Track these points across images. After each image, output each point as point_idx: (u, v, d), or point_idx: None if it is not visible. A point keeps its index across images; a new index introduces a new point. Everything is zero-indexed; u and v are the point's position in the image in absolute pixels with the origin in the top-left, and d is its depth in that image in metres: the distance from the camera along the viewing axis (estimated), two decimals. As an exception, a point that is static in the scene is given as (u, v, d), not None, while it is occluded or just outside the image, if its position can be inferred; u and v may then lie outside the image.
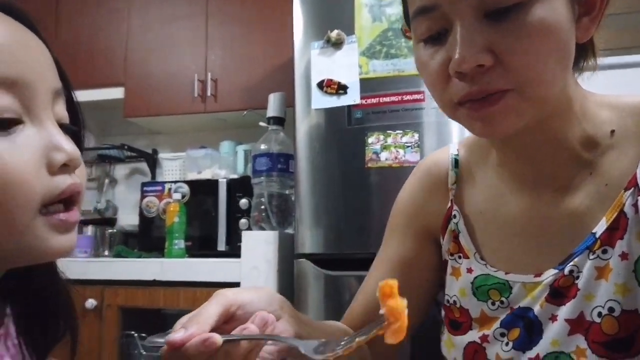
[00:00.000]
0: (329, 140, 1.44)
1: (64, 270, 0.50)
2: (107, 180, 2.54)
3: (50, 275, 0.49)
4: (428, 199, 0.67)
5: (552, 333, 0.51)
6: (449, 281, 0.63)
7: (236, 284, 1.47)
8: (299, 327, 0.51)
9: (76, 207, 0.43)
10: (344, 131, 1.43)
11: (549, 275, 0.53)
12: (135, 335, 1.64)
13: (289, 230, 1.61)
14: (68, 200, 0.42)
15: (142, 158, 2.50)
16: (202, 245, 1.92)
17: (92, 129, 2.52)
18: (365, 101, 1.42)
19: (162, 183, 2.08)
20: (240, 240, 1.55)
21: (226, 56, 2.13)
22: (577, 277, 0.51)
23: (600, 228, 0.51)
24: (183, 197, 1.94)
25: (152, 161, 2.50)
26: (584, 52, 0.53)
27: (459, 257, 0.62)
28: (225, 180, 1.97)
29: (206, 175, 2.14)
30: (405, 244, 0.67)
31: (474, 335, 0.58)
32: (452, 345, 0.60)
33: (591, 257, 0.50)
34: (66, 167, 0.41)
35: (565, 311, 0.51)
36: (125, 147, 2.40)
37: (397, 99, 1.40)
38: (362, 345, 0.43)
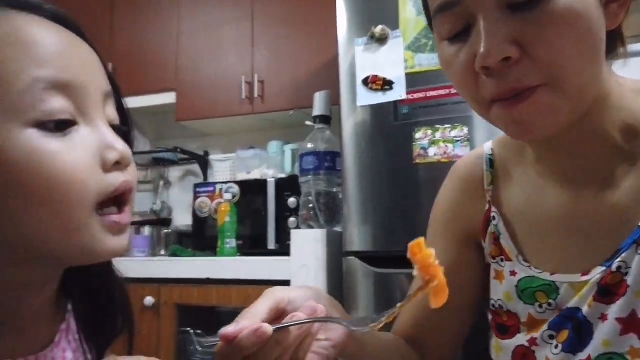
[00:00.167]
0: (375, 137, 1.43)
1: (125, 270, 0.53)
2: (161, 182, 2.64)
3: (107, 273, 0.51)
4: (465, 202, 0.65)
5: (603, 333, 0.49)
6: (492, 285, 0.61)
7: (286, 282, 1.49)
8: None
9: (128, 207, 0.44)
10: (391, 127, 1.41)
11: (596, 273, 0.50)
12: (191, 331, 1.69)
13: (337, 228, 1.60)
14: (120, 199, 0.43)
15: (194, 160, 2.57)
16: (252, 243, 1.95)
17: (147, 133, 2.62)
18: (412, 96, 1.40)
19: (213, 184, 2.13)
20: (289, 239, 1.56)
21: (272, 57, 2.16)
22: (626, 273, 0.48)
23: None
24: (233, 197, 1.98)
25: (204, 162, 2.56)
26: (612, 40, 0.50)
27: (501, 260, 0.60)
28: (273, 179, 1.99)
29: (255, 175, 2.18)
30: (447, 250, 0.65)
31: (522, 338, 0.56)
32: (500, 349, 0.59)
33: (639, 251, 0.48)
34: (118, 165, 0.42)
35: (615, 310, 0.48)
36: (178, 149, 2.48)
37: (444, 92, 1.36)
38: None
